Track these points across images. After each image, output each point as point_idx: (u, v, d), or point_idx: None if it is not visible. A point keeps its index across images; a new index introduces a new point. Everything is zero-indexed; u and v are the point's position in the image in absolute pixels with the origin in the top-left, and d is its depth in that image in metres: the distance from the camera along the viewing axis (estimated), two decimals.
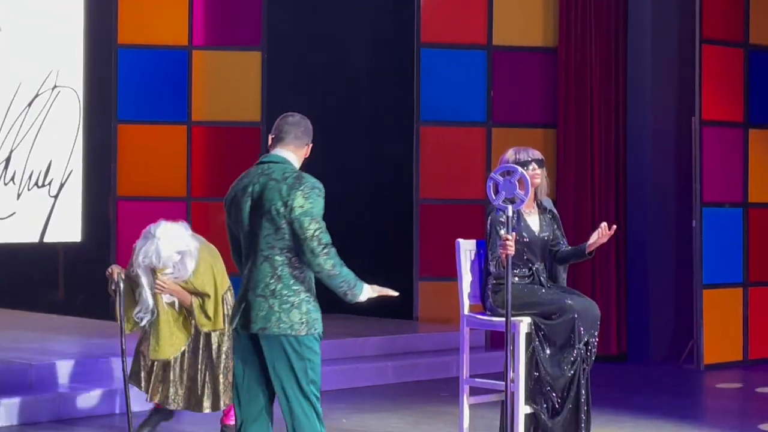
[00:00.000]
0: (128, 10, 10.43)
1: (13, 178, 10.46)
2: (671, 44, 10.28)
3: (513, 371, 6.05)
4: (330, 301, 11.16)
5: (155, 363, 6.37)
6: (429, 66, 10.34)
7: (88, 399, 7.19)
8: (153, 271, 6.22)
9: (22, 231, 10.45)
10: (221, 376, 6.37)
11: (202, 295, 6.26)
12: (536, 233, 6.28)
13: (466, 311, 6.34)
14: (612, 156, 10.18)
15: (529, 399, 6.12)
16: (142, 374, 6.42)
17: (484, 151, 10.32)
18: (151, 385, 6.38)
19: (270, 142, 5.02)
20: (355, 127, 11.04)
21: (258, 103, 10.64)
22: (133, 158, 10.58)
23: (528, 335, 6.12)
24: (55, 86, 10.64)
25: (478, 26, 10.34)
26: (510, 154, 6.26)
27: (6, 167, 10.44)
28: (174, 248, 6.15)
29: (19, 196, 10.47)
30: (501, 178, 5.90)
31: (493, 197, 5.93)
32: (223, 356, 6.38)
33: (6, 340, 8.54)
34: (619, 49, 10.22)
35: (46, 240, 10.59)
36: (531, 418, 6.18)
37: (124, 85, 10.53)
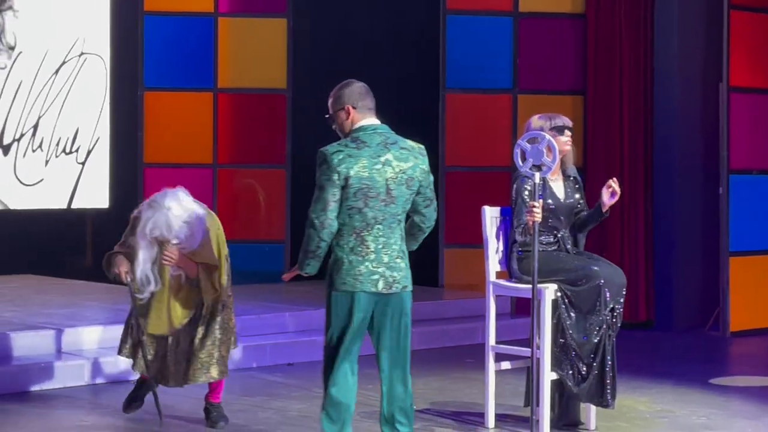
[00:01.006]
0: None
1: (41, 145, 10.52)
2: (699, 10, 10.20)
3: (539, 337, 6.07)
4: None
5: (147, 337, 6.11)
6: (455, 32, 10.31)
7: (116, 364, 7.24)
8: (160, 244, 5.98)
9: (50, 197, 10.52)
10: (223, 345, 6.14)
11: (209, 265, 6.01)
12: (561, 200, 6.27)
13: (492, 278, 6.35)
14: (641, 123, 10.13)
15: (555, 365, 6.13)
16: (129, 343, 6.17)
17: (510, 118, 10.30)
18: (144, 361, 6.12)
19: (353, 111, 5.17)
20: (380, 94, 10.95)
21: (284, 70, 10.64)
22: (159, 125, 10.62)
23: (554, 302, 6.13)
24: (82, 53, 10.68)
25: None
26: (538, 121, 6.23)
27: (34, 134, 10.50)
28: (184, 218, 5.93)
29: (47, 162, 10.53)
30: (528, 145, 5.89)
31: (521, 164, 5.92)
32: (219, 325, 6.11)
33: (35, 305, 8.62)
34: (647, 15, 10.15)
35: (73, 206, 10.66)
36: (556, 385, 6.20)
37: (151, 52, 10.56)
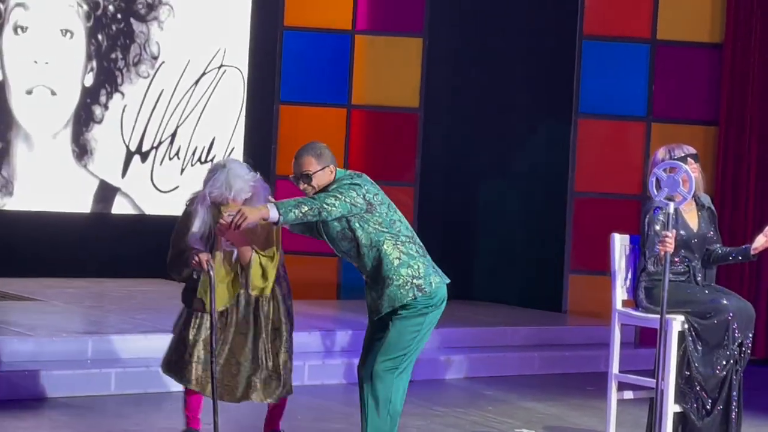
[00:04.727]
0: None
1: (177, 153, 10.80)
2: None
3: (664, 369, 6.01)
4: (483, 288, 11.14)
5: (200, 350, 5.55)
6: (590, 58, 10.28)
7: None
8: (217, 208, 5.38)
9: (184, 205, 10.75)
10: (285, 353, 5.60)
11: (264, 254, 5.46)
12: (694, 230, 6.21)
13: (618, 306, 6.31)
14: None
15: (679, 398, 6.06)
16: (184, 360, 5.57)
17: (643, 145, 10.21)
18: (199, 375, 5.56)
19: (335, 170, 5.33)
20: (512, 117, 11.03)
21: (417, 89, 10.73)
22: (293, 138, 10.79)
23: (680, 333, 6.07)
24: (222, 65, 10.93)
25: (642, 19, 10.22)
26: (662, 153, 6.20)
27: (171, 143, 10.77)
28: (245, 179, 5.40)
29: (182, 171, 10.80)
30: (664, 175, 5.85)
31: (655, 193, 5.88)
32: (288, 332, 5.59)
33: (165, 310, 8.82)
34: None
35: None
36: (679, 418, 6.13)
37: (288, 66, 10.75)
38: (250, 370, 5.58)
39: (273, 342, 5.62)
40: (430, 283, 5.25)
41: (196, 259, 5.39)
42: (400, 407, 5.31)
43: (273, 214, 5.05)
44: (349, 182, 5.22)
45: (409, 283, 5.20)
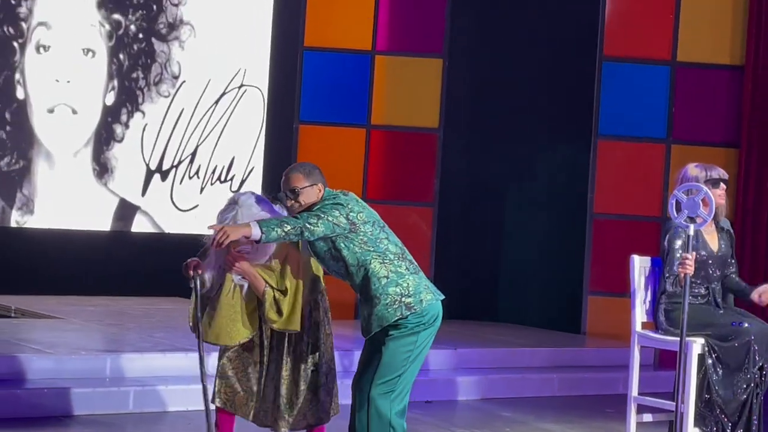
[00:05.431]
0: (315, 14, 10.68)
1: (197, 172, 10.83)
2: None
3: (683, 392, 5.98)
4: (502, 309, 11.13)
5: (232, 357, 5.51)
6: (610, 79, 10.27)
7: None
8: (228, 246, 5.25)
9: (203, 223, 10.77)
10: (304, 383, 5.49)
11: (278, 288, 5.38)
12: (715, 251, 6.19)
13: (637, 328, 6.29)
14: None
15: (698, 421, 6.03)
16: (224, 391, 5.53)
17: (662, 167, 10.19)
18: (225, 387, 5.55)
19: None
20: (532, 138, 11.03)
21: (436, 110, 10.74)
22: (312, 158, 10.78)
23: (700, 356, 6.04)
24: (242, 85, 10.97)
25: (662, 41, 10.22)
26: (695, 170, 6.17)
27: (191, 162, 10.81)
28: (257, 216, 5.27)
29: (202, 190, 10.83)
30: (684, 197, 5.83)
31: (675, 215, 5.86)
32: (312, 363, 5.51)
33: (183, 328, 8.83)
34: None
35: None
36: None
37: (308, 86, 10.78)
38: (272, 399, 5.51)
39: (292, 372, 5.51)
40: (420, 300, 5.16)
41: (186, 262, 5.39)
42: (402, 430, 5.22)
43: (255, 232, 5.05)
44: (332, 202, 5.20)
45: (397, 302, 5.13)
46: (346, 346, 8.56)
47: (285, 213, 5.41)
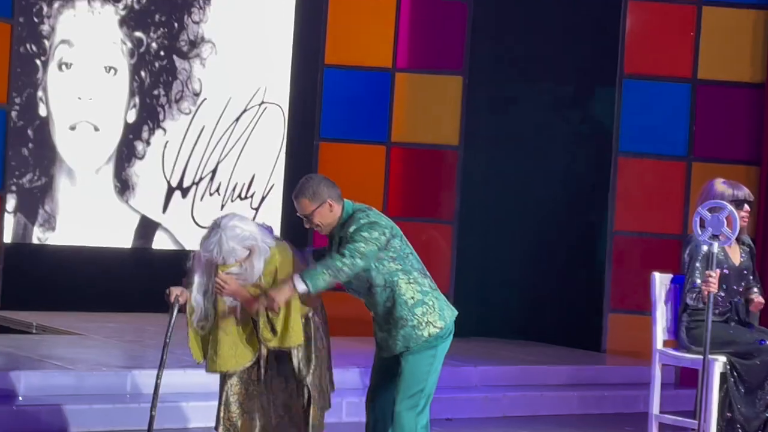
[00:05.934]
0: (336, 31, 10.70)
1: (218, 189, 10.87)
2: None
3: (705, 410, 5.96)
4: (522, 327, 11.09)
5: (235, 383, 5.49)
6: (630, 96, 10.26)
7: None
8: (216, 269, 5.30)
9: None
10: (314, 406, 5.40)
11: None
12: (737, 264, 6.18)
13: (658, 346, 6.27)
14: None
15: None
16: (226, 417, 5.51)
17: (683, 185, 10.17)
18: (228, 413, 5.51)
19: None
20: (552, 156, 11.03)
21: (456, 127, 10.75)
22: (332, 175, 10.77)
23: (722, 374, 6.02)
24: (263, 102, 11.01)
25: (683, 59, 10.20)
26: (722, 187, 6.15)
27: (212, 179, 10.85)
28: (238, 242, 5.22)
29: (222, 206, 10.86)
30: (708, 214, 5.81)
31: (699, 233, 5.84)
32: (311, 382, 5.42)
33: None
34: None
35: None
36: None
37: (328, 103, 10.80)
38: (267, 419, 5.51)
39: (286, 388, 5.49)
40: (444, 317, 5.23)
41: (168, 291, 5.42)
42: None
43: (301, 287, 5.06)
44: (367, 222, 5.14)
45: (424, 323, 5.17)
46: (367, 363, 8.55)
47: (271, 231, 5.41)
